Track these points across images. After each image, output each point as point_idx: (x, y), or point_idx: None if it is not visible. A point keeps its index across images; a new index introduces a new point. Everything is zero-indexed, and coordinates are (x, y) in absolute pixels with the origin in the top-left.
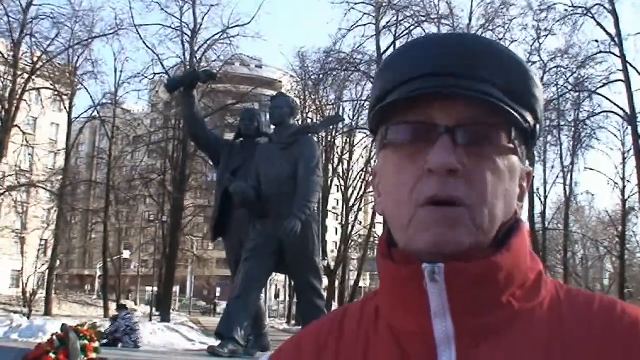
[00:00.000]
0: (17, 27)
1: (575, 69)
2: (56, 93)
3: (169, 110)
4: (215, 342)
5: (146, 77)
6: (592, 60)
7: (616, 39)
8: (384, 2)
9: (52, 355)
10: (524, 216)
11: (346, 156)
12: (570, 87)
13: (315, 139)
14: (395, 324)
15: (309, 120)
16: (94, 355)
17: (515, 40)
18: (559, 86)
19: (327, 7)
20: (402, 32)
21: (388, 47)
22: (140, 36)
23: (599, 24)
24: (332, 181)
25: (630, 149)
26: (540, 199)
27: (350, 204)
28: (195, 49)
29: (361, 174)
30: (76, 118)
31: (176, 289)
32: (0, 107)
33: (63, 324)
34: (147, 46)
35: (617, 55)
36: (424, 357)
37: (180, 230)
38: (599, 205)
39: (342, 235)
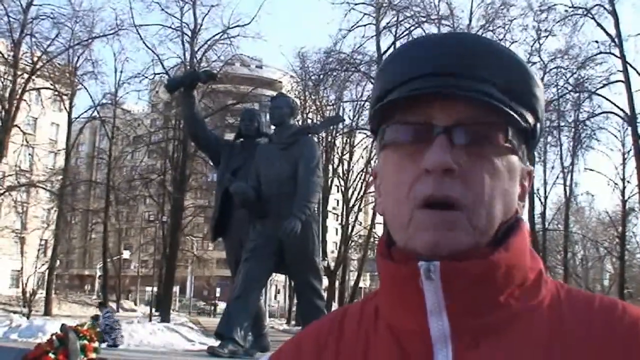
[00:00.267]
0: (17, 27)
1: (576, 69)
2: (56, 93)
3: (169, 111)
4: (215, 343)
5: (146, 77)
6: (592, 60)
7: (616, 40)
8: (384, 3)
9: (51, 355)
10: (524, 216)
11: (346, 156)
12: (570, 88)
13: (315, 140)
14: (395, 323)
15: (309, 121)
16: (93, 355)
17: (516, 41)
18: (559, 87)
19: (328, 7)
20: (403, 33)
21: (388, 48)
22: (140, 36)
23: (599, 24)
24: (332, 181)
25: (630, 150)
26: (540, 200)
27: (351, 204)
28: (196, 49)
29: (361, 175)
30: (76, 118)
31: (176, 289)
32: (0, 107)
33: (62, 324)
34: (147, 46)
35: (617, 56)
36: (422, 356)
37: (180, 231)
38: (599, 205)
39: (342, 236)
